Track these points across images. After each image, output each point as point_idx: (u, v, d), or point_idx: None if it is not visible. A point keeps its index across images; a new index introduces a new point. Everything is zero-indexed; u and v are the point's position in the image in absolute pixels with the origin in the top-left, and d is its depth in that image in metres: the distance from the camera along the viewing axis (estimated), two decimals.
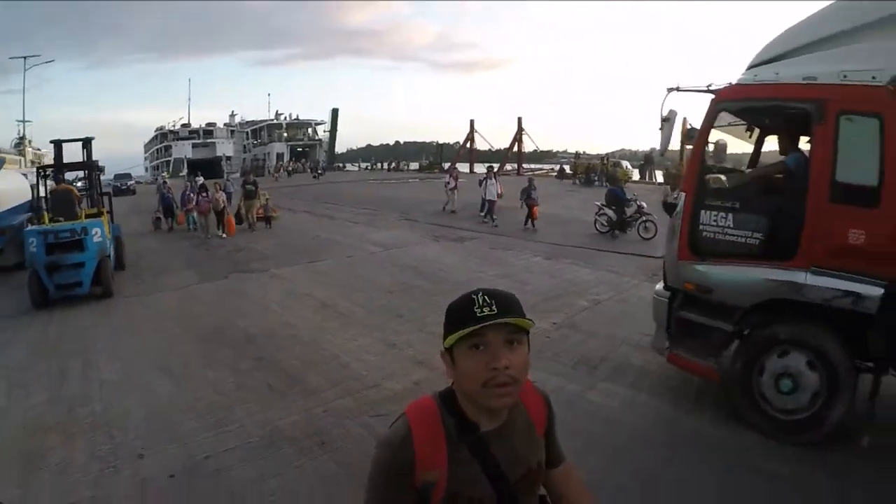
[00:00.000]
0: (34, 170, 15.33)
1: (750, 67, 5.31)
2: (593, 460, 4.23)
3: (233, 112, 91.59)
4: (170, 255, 15.17)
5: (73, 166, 14.23)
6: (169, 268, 13.37)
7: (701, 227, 5.19)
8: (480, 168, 41.44)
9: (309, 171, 61.04)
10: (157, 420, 5.39)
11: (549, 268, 11.93)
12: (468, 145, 54.70)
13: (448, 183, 23.09)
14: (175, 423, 5.28)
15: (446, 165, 52.33)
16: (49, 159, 22.78)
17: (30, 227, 11.30)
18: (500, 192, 19.57)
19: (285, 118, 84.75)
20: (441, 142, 71.18)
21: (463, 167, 48.53)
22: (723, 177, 5.18)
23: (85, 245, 10.69)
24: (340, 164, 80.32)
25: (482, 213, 19.66)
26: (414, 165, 69.13)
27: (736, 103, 5.34)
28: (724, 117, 5.43)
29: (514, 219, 18.29)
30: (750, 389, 4.83)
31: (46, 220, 11.36)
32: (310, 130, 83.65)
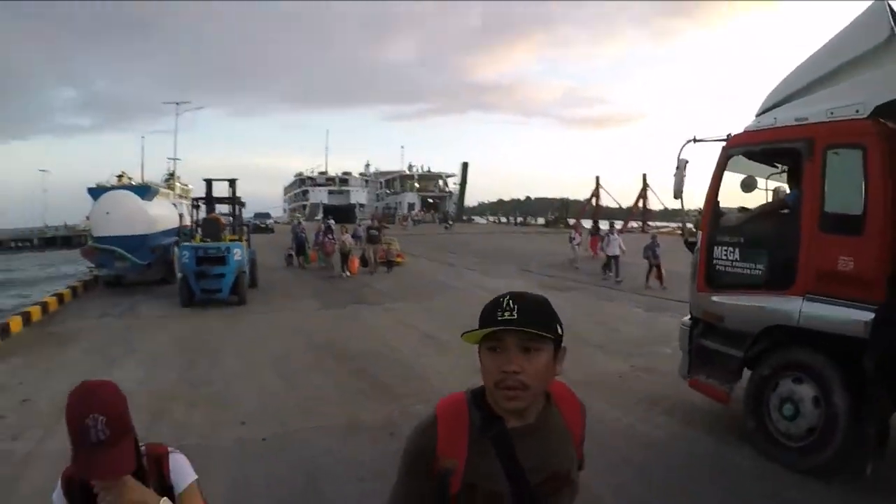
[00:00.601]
0: (181, 201, 18.23)
1: (757, 115, 5.80)
2: (624, 478, 4.74)
3: (367, 162, 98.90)
4: (297, 285, 16.96)
5: (221, 200, 16.72)
6: (295, 294, 15.06)
7: (714, 261, 5.72)
8: (605, 225, 41.55)
9: (437, 221, 63.69)
10: (263, 402, 6.50)
11: (645, 319, 12.15)
12: (594, 201, 54.97)
13: (573, 238, 23.38)
14: (276, 406, 6.37)
15: (572, 221, 52.84)
16: (194, 194, 26.19)
17: (184, 244, 14.06)
18: (622, 248, 19.28)
19: (417, 170, 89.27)
20: (569, 197, 71.72)
21: (588, 223, 48.83)
22: (732, 215, 5.69)
23: (227, 261, 13.30)
24: (467, 217, 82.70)
25: (604, 269, 19.56)
26: (540, 220, 70.10)
27: (742, 148, 5.80)
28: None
29: (639, 275, 18.21)
30: (758, 412, 5.16)
31: (198, 240, 14.11)
32: (440, 182, 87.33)
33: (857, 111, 4.69)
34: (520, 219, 74.10)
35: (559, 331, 1.39)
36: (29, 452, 5.13)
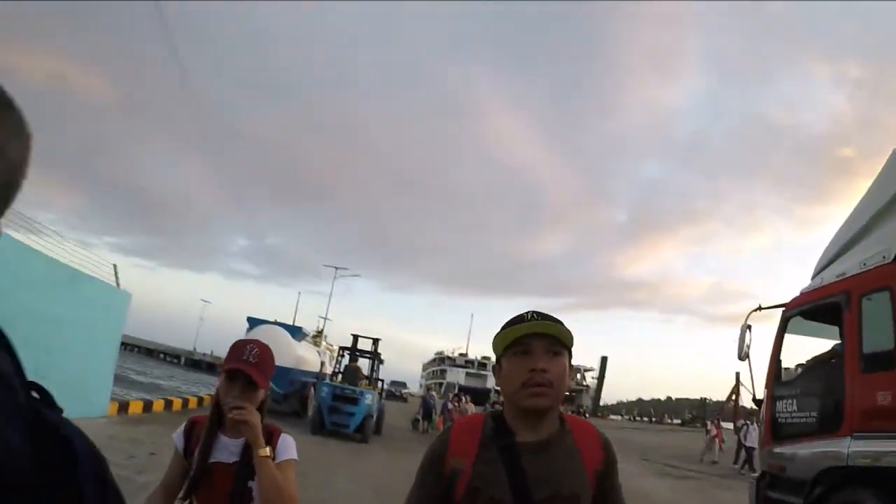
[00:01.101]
0: (326, 352, 21.27)
1: (812, 277, 6.38)
2: None
3: None
4: (416, 442, 17.73)
5: (363, 353, 18.78)
6: (412, 449, 15.88)
7: (777, 414, 6.08)
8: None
9: (571, 413, 62.53)
10: None
11: None
12: (733, 398, 51.82)
13: (709, 430, 22.56)
14: None
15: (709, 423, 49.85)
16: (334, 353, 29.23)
17: (324, 382, 16.45)
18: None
19: None
20: (710, 397, 68.03)
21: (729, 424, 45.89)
22: (792, 371, 6.09)
23: (358, 402, 15.13)
24: (602, 413, 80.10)
25: (736, 465, 18.80)
26: (677, 420, 66.82)
27: (797, 311, 6.35)
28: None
29: None
30: None
31: (337, 381, 16.47)
32: (578, 376, 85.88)
33: (884, 257, 5.19)
34: (654, 418, 70.83)
35: (573, 348, 1.55)
36: (147, 482, 6.35)
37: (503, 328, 1.55)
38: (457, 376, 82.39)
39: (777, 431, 6.17)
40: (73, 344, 10.51)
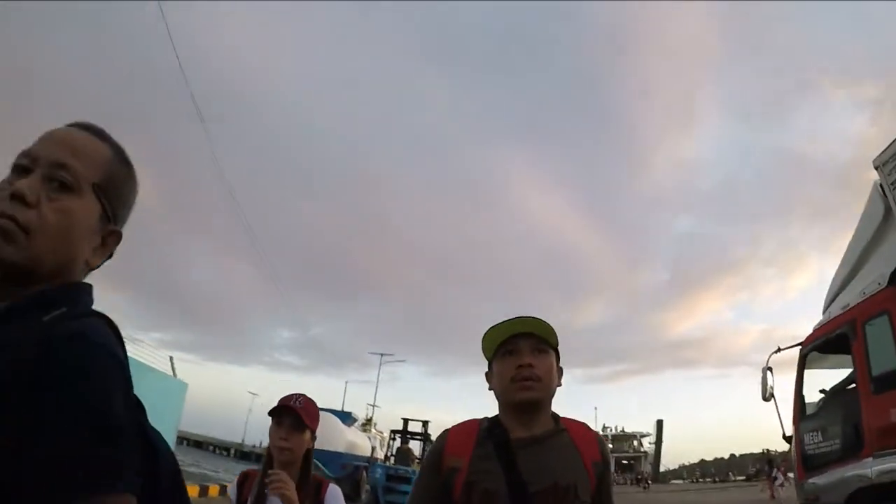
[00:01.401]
0: (376, 437, 22.32)
1: (822, 314, 6.74)
2: None
3: None
4: None
5: (414, 436, 19.64)
6: None
7: (805, 447, 6.31)
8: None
9: (629, 482, 60.76)
10: None
11: None
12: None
13: (776, 478, 22.44)
14: None
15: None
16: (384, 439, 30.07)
17: (377, 464, 17.16)
18: None
19: (611, 431, 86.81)
20: (774, 449, 65.38)
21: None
22: (814, 402, 6.40)
23: (412, 482, 15.51)
24: (662, 479, 77.60)
25: None
26: (741, 476, 64.32)
27: (811, 346, 6.69)
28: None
29: None
30: None
31: (391, 462, 17.30)
32: (635, 442, 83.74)
33: (879, 284, 5.56)
34: (717, 477, 68.25)
35: (559, 350, 1.66)
36: None
37: (488, 330, 1.66)
38: None
39: (807, 463, 6.36)
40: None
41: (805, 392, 6.92)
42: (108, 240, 0.94)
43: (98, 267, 0.94)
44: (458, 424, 1.71)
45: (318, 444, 2.41)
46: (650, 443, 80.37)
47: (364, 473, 18.87)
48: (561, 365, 1.69)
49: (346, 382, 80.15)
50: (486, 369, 1.72)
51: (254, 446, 68.66)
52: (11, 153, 0.88)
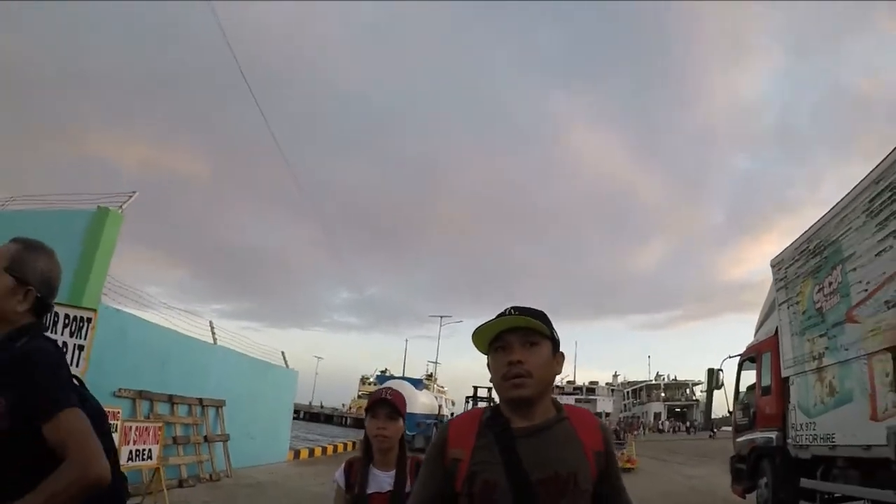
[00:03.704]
0: (441, 395, 26.84)
1: (754, 335, 10.71)
2: None
3: (615, 373, 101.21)
4: None
5: (482, 399, 23.77)
6: None
7: (737, 420, 10.75)
8: None
9: (686, 430, 63.31)
10: None
11: None
12: None
13: None
14: None
15: None
16: (447, 394, 33.89)
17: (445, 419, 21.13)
18: None
19: (664, 379, 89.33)
20: None
21: None
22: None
23: None
24: (714, 429, 79.78)
25: None
26: None
27: (743, 359, 10.87)
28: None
29: None
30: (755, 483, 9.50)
31: None
32: (687, 391, 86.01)
33: (768, 333, 9.78)
34: None
35: (555, 336, 1.65)
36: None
37: (475, 332, 1.65)
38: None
39: (737, 430, 10.72)
40: (266, 412, 15.82)
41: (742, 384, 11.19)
42: (28, 294, 1.74)
43: (30, 307, 1.75)
44: (461, 415, 1.76)
45: None
46: (702, 391, 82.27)
47: (434, 429, 22.48)
48: (562, 350, 1.70)
49: (406, 340, 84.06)
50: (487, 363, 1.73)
51: (322, 407, 74.44)
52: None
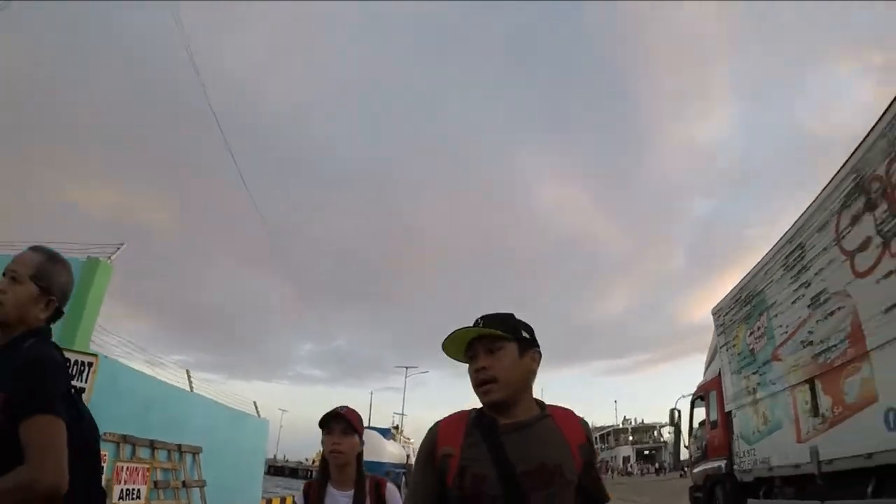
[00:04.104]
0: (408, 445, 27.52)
1: (703, 375, 11.84)
2: None
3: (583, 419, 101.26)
4: None
5: None
6: None
7: (692, 453, 11.88)
8: None
9: (654, 471, 63.61)
10: None
11: None
12: None
13: None
14: None
15: None
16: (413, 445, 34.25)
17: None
18: None
19: (631, 422, 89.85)
20: None
21: None
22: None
23: None
24: (683, 469, 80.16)
25: None
26: None
27: (694, 397, 12.00)
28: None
29: None
30: None
31: None
32: (655, 433, 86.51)
33: (713, 373, 10.88)
34: None
35: (524, 335, 1.73)
36: None
37: (442, 344, 1.74)
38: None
39: (693, 462, 11.91)
40: (240, 459, 16.05)
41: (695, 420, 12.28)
42: (49, 304, 1.91)
43: (49, 315, 1.92)
44: (449, 416, 1.79)
45: (365, 456, 2.67)
46: (668, 432, 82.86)
47: (403, 478, 22.96)
48: (538, 349, 1.76)
49: (371, 392, 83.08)
50: None
51: (286, 461, 73.11)
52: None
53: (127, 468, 9.17)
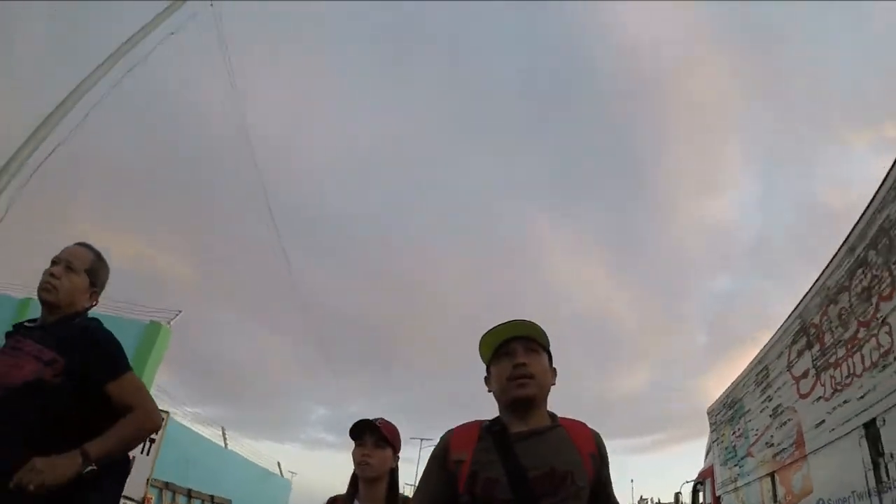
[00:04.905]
0: None
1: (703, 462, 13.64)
2: None
3: None
4: None
5: None
6: None
7: None
8: None
9: None
10: None
11: None
12: None
13: None
14: None
15: None
16: None
17: None
18: None
19: (647, 502, 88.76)
20: None
21: None
22: None
23: None
24: None
25: None
26: None
27: (696, 482, 13.80)
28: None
29: None
30: None
31: None
32: None
33: (706, 464, 12.74)
34: None
35: (550, 351, 1.89)
36: None
37: (484, 335, 1.88)
38: None
39: None
40: None
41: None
42: (93, 295, 2.29)
43: (91, 304, 2.32)
44: (461, 425, 1.86)
45: None
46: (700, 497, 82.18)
47: None
48: (554, 366, 1.90)
49: None
50: (485, 374, 1.95)
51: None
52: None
53: None
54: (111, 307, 13.01)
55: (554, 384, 1.87)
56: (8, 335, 2.23)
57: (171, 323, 13.05)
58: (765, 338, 8.73)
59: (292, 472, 21.00)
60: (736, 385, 11.25)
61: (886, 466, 5.55)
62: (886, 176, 5.91)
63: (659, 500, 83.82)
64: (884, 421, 5.64)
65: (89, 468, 1.92)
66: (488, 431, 1.77)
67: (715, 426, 12.60)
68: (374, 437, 2.48)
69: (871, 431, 5.83)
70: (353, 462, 2.49)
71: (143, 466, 8.27)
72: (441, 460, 1.78)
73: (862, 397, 6.04)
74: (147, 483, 8.31)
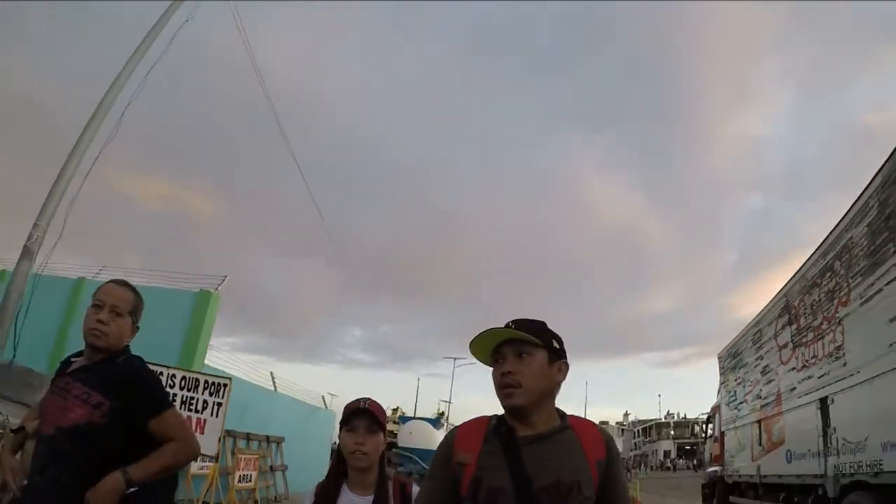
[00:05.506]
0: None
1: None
2: None
3: (626, 412, 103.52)
4: None
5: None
6: None
7: (704, 457, 16.00)
8: None
9: (693, 468, 65.69)
10: None
11: None
12: None
13: None
14: None
15: None
16: None
17: None
18: None
19: (674, 417, 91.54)
20: None
21: None
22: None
23: None
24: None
25: None
26: None
27: (709, 415, 15.87)
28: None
29: None
30: None
31: None
32: (696, 428, 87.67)
33: (716, 400, 14.76)
34: None
35: (555, 345, 1.80)
36: None
37: (470, 345, 1.83)
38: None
39: (705, 465, 16.19)
40: (312, 445, 19.97)
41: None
42: (134, 332, 2.48)
43: (132, 339, 2.47)
44: (468, 421, 1.87)
45: (418, 444, 4.14)
46: (710, 428, 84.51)
47: None
48: (566, 360, 1.83)
49: (419, 379, 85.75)
50: None
51: (334, 443, 76.34)
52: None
53: (244, 459, 12.76)
54: (163, 278, 14.52)
55: (560, 380, 1.82)
56: (57, 374, 2.49)
57: (219, 289, 14.27)
58: (797, 260, 9.55)
59: (332, 395, 22.95)
60: (739, 339, 12.82)
61: (831, 437, 7.09)
62: (857, 199, 7.03)
63: (685, 416, 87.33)
64: (832, 400, 7.17)
65: (132, 489, 2.21)
66: (495, 433, 1.75)
67: (722, 371, 14.29)
68: (366, 422, 2.38)
69: (824, 406, 7.38)
70: (343, 450, 2.41)
71: (213, 426, 9.57)
72: (445, 461, 1.79)
73: (820, 377, 7.55)
74: (218, 441, 9.70)
